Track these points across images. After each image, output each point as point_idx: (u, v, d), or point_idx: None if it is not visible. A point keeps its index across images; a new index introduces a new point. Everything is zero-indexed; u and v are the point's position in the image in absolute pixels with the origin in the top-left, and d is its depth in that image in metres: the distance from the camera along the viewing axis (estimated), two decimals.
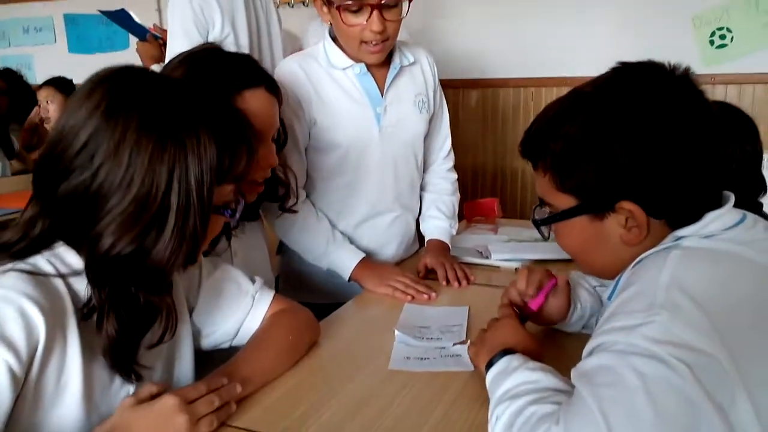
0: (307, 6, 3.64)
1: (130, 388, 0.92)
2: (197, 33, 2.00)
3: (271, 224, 1.54)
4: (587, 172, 0.83)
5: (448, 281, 1.49)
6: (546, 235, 0.96)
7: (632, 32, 2.97)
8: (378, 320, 1.33)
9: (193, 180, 0.82)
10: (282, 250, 1.69)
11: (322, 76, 1.53)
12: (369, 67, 1.54)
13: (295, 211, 1.45)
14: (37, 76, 4.53)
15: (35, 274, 0.81)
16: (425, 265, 1.55)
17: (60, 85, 3.58)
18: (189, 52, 1.25)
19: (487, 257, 1.65)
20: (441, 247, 1.64)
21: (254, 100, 1.20)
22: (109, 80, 0.85)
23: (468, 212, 2.16)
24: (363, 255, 1.54)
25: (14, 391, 0.76)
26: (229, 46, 2.08)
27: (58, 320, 0.81)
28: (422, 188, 1.76)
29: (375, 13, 1.40)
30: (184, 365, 1.05)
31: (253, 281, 1.16)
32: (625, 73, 0.87)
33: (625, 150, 0.79)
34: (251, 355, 1.04)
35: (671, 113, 0.80)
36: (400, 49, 1.60)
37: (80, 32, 4.55)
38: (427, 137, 1.71)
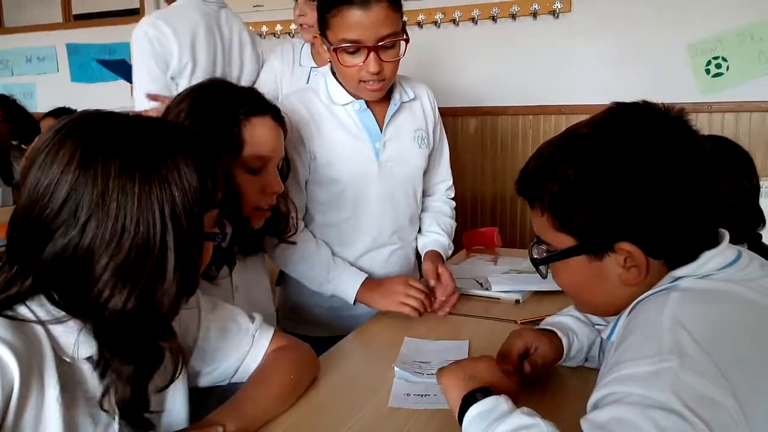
0: (278, 37, 3.72)
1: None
2: (156, 66, 2.14)
3: (270, 256, 1.55)
4: (585, 213, 0.83)
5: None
6: (544, 273, 0.97)
7: (630, 61, 2.99)
8: (378, 354, 1.32)
9: (183, 213, 0.80)
10: (281, 282, 1.69)
11: (323, 111, 1.55)
12: (369, 103, 1.56)
13: (293, 242, 1.45)
14: (39, 104, 4.58)
15: (12, 318, 0.78)
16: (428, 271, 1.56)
17: (62, 115, 3.60)
18: (194, 86, 1.28)
19: (487, 288, 1.66)
20: (439, 258, 1.64)
21: (261, 127, 1.24)
22: (77, 128, 0.81)
23: (468, 242, 2.16)
24: (365, 276, 1.54)
25: None
26: (188, 75, 2.17)
27: (35, 366, 0.77)
28: (422, 210, 1.77)
29: (372, 54, 1.42)
30: (177, 407, 1.01)
31: (253, 319, 1.16)
32: (621, 114, 0.88)
33: (624, 191, 0.80)
34: (252, 394, 1.03)
35: (668, 154, 0.81)
36: (400, 85, 1.62)
37: (82, 62, 4.59)
38: (428, 172, 1.72)
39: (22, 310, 0.80)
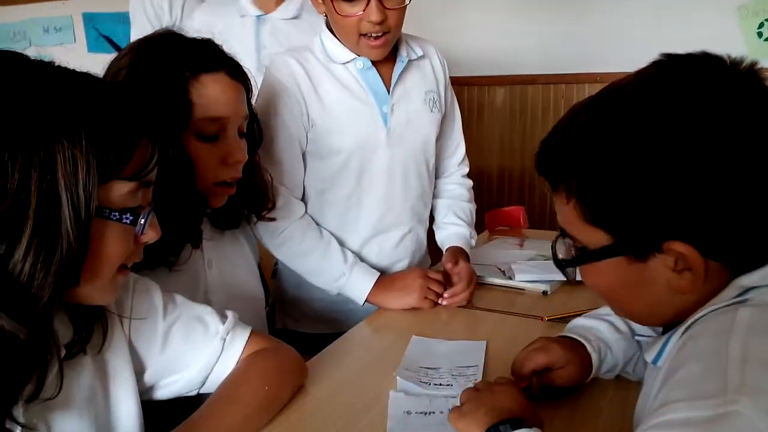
0: None
1: None
2: (148, 23, 2.06)
3: (264, 244, 1.37)
4: (626, 204, 0.63)
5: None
6: (572, 275, 0.78)
7: (671, 23, 2.72)
8: (379, 356, 1.15)
9: (61, 179, 0.67)
10: (276, 273, 1.52)
11: (321, 72, 1.35)
12: (373, 61, 1.36)
13: (272, 219, 1.28)
14: None
15: None
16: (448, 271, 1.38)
17: None
18: (143, 38, 1.10)
19: (510, 278, 1.46)
20: (462, 254, 1.45)
21: (212, 85, 1.05)
22: None
23: (490, 222, 1.97)
24: (377, 274, 1.37)
25: None
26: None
27: None
28: (435, 196, 1.57)
29: (373, 1, 1.22)
30: (124, 422, 0.86)
31: (225, 318, 0.98)
32: (675, 69, 0.67)
33: (680, 174, 0.60)
34: (216, 412, 0.87)
35: (739, 121, 0.61)
36: (406, 42, 1.42)
37: (99, 31, 4.47)
38: (439, 141, 1.51)
39: None
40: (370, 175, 1.39)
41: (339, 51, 1.35)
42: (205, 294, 1.17)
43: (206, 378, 0.95)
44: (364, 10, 1.24)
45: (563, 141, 0.69)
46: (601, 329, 0.97)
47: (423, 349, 1.15)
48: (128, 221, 0.74)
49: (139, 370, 0.90)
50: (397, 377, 1.01)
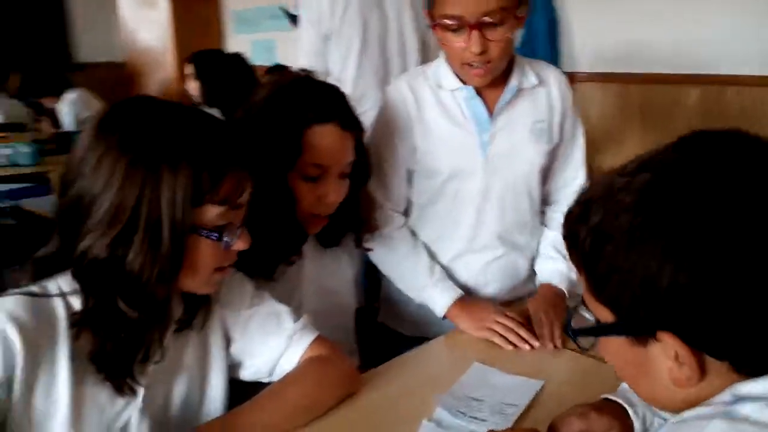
0: None
1: (132, 413, 0.94)
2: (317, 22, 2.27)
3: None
4: (617, 282, 0.62)
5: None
6: (585, 346, 0.77)
7: None
8: (435, 376, 1.19)
9: (164, 199, 0.86)
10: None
11: (428, 97, 1.41)
12: (481, 88, 1.38)
13: (369, 249, 1.41)
14: (280, 60, 4.96)
15: (36, 295, 0.88)
16: (526, 312, 1.36)
17: (276, 72, 3.85)
18: (280, 78, 1.26)
19: None
20: (552, 294, 1.42)
21: (320, 136, 1.19)
22: (112, 106, 0.93)
23: None
24: (460, 293, 1.41)
25: None
26: (339, 38, 2.26)
27: (46, 342, 0.87)
28: (544, 224, 1.55)
29: (474, 32, 1.24)
30: (215, 394, 1.06)
31: (297, 320, 1.12)
32: (707, 150, 0.62)
33: (673, 266, 0.57)
34: (260, 405, 1.00)
35: (748, 210, 0.57)
36: (522, 68, 1.41)
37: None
38: (552, 170, 1.49)
39: (51, 285, 0.90)
40: (464, 198, 1.43)
41: (448, 78, 1.39)
42: (299, 303, 1.32)
43: (273, 369, 1.09)
44: (465, 41, 1.26)
45: (576, 211, 0.69)
46: None
47: (479, 377, 1.17)
48: (215, 238, 0.92)
49: (227, 350, 1.09)
50: (437, 406, 1.05)
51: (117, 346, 0.89)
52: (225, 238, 0.93)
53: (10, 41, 5.28)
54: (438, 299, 1.40)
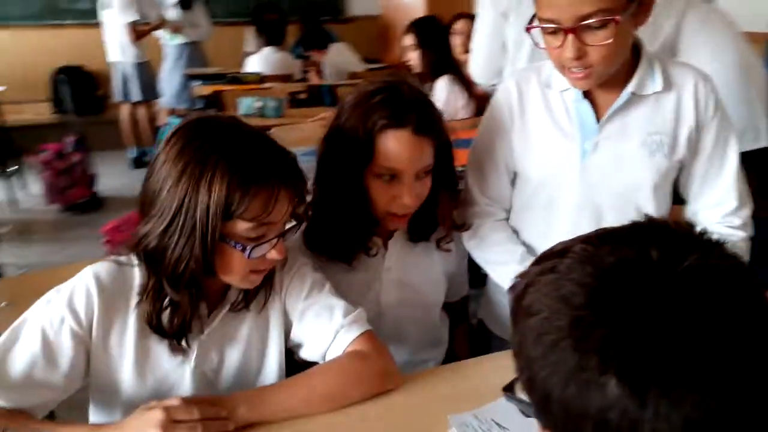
0: None
1: (185, 370, 1.13)
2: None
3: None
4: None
5: None
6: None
7: None
8: (469, 391, 1.16)
9: (199, 209, 0.99)
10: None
11: (535, 96, 1.33)
12: (592, 91, 1.25)
13: (448, 250, 1.41)
14: None
15: (122, 264, 1.11)
16: None
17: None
18: (375, 83, 1.30)
19: None
20: None
21: (394, 141, 1.22)
22: (191, 119, 1.08)
23: None
24: None
25: (76, 345, 1.06)
26: (517, 17, 2.17)
27: (120, 298, 1.09)
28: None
29: (570, 37, 1.13)
30: (270, 368, 1.21)
31: (350, 314, 1.19)
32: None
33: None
34: (287, 388, 1.12)
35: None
36: (648, 70, 1.23)
37: None
38: (691, 189, 1.32)
39: (133, 257, 1.12)
40: (558, 209, 1.33)
41: (559, 78, 1.29)
42: (377, 294, 1.39)
43: (323, 356, 1.19)
44: (561, 45, 1.16)
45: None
46: None
47: (512, 406, 1.12)
48: (241, 249, 1.05)
49: (287, 332, 1.23)
50: (451, 425, 1.06)
51: (166, 317, 1.09)
52: (252, 250, 1.05)
53: None
54: None
